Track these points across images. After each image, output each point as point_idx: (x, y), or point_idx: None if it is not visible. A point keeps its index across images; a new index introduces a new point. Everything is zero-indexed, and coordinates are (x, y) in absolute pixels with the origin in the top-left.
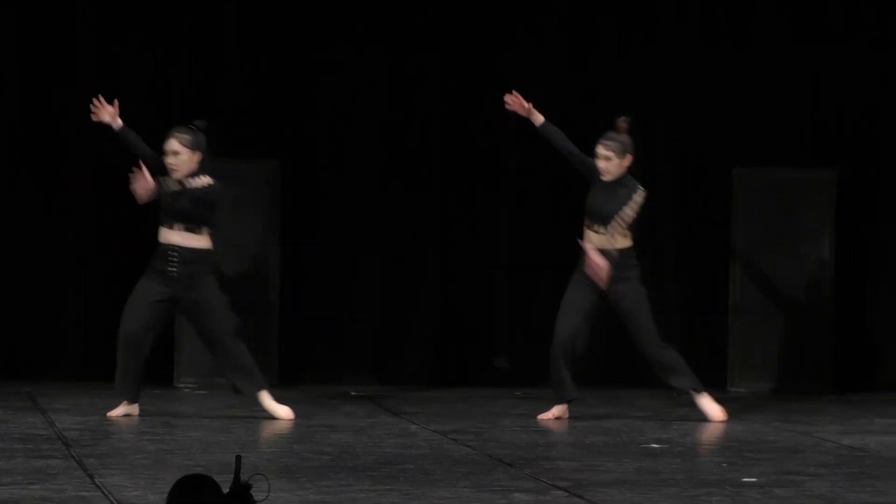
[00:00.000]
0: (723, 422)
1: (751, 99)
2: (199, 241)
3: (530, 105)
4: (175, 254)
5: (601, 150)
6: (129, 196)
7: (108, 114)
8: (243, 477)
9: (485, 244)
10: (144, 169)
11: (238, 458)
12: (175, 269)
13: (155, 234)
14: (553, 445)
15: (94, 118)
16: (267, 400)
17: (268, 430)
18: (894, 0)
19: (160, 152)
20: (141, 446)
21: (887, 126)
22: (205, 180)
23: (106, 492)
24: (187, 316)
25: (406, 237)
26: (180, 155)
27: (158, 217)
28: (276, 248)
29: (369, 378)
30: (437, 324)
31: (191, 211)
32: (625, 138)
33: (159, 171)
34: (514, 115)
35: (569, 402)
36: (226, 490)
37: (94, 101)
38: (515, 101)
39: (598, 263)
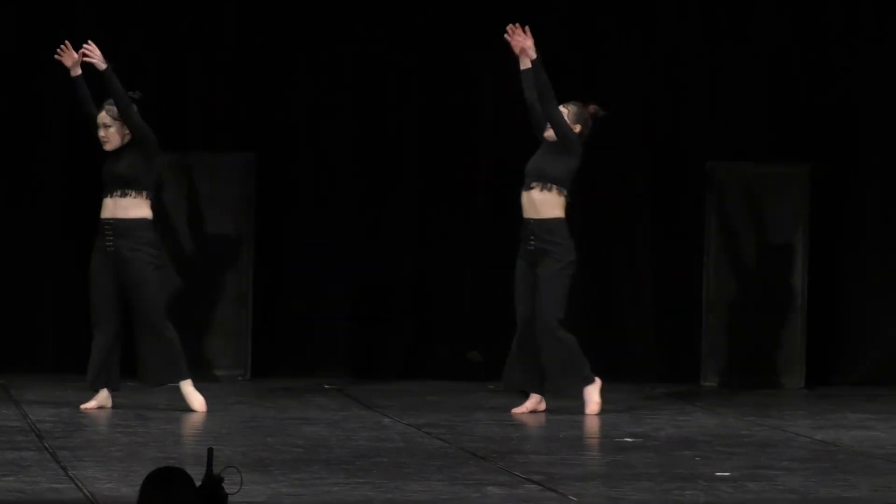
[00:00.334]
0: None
1: (725, 93)
2: (135, 208)
3: (532, 42)
4: (109, 226)
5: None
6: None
7: (70, 59)
8: (216, 470)
9: (458, 238)
10: (69, 48)
11: (210, 450)
12: (111, 244)
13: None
14: (526, 439)
15: (56, 57)
16: (187, 387)
17: (241, 422)
18: None
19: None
20: (114, 439)
21: (861, 121)
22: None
23: (79, 484)
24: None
25: (380, 230)
26: (110, 128)
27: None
28: (251, 240)
29: (343, 371)
30: (411, 317)
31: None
32: (585, 113)
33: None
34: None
35: (522, 392)
36: (198, 483)
37: (62, 46)
38: (516, 33)
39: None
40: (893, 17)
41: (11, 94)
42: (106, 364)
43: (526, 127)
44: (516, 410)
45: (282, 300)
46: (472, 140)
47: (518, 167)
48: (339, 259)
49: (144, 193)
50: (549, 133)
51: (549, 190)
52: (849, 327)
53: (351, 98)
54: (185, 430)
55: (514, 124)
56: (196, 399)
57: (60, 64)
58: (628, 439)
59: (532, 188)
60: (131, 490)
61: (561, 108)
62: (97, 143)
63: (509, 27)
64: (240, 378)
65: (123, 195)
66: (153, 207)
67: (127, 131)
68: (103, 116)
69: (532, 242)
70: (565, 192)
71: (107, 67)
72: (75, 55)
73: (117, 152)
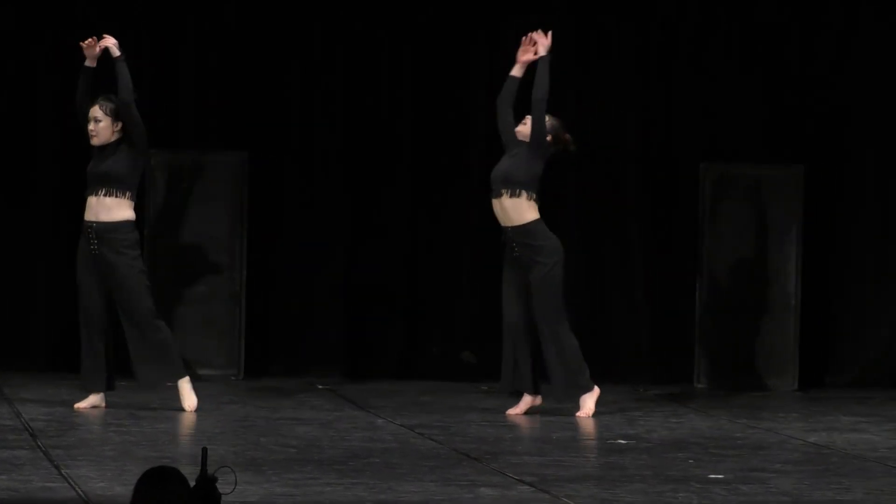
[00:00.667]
0: None
1: (719, 94)
2: (118, 209)
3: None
4: (91, 229)
5: (527, 118)
6: None
7: (94, 48)
8: (209, 469)
9: (452, 238)
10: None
11: (204, 450)
12: (94, 247)
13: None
14: (519, 440)
15: (81, 44)
16: (184, 385)
17: (234, 422)
18: None
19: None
20: (107, 438)
21: (854, 123)
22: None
23: (72, 483)
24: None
25: (373, 230)
26: (100, 122)
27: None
28: (243, 239)
29: (336, 371)
30: (404, 317)
31: (112, 171)
32: (560, 133)
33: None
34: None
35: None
36: (192, 482)
37: (92, 38)
38: (539, 39)
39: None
40: (887, 17)
41: (4, 94)
42: (98, 366)
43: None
44: (511, 412)
45: (275, 300)
46: (467, 140)
47: None
48: (332, 259)
49: (128, 194)
50: (523, 129)
51: (518, 195)
52: (842, 329)
53: (344, 97)
54: (179, 430)
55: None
56: (188, 399)
57: (76, 53)
58: (621, 441)
59: (501, 195)
60: (124, 489)
61: (528, 116)
62: (89, 141)
63: (525, 39)
64: (232, 378)
65: (107, 194)
66: (135, 208)
67: (117, 128)
68: (95, 110)
69: (515, 249)
70: (534, 196)
71: (121, 55)
72: (97, 49)
73: (104, 149)
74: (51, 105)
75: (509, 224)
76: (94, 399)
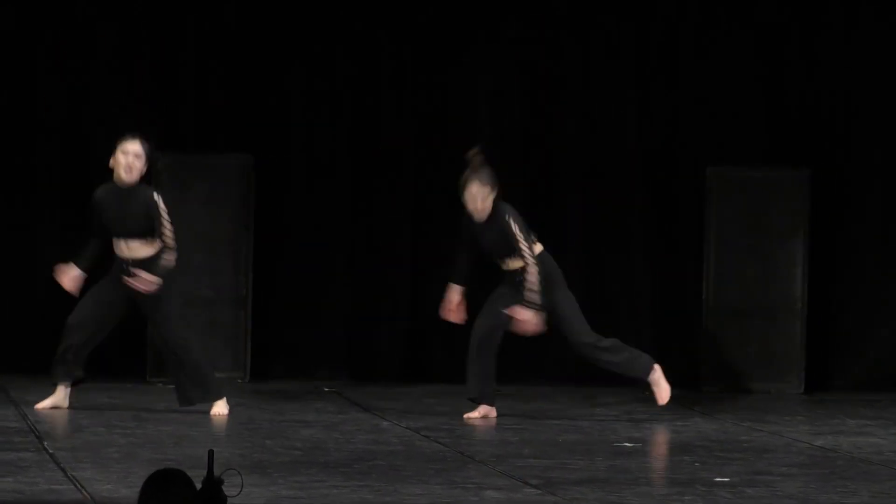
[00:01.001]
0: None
1: (724, 97)
2: (147, 247)
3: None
4: (126, 264)
5: (467, 201)
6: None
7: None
8: (216, 472)
9: (456, 240)
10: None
11: (211, 452)
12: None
13: None
14: (525, 443)
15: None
16: (216, 405)
17: (239, 425)
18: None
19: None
20: (112, 440)
21: (860, 126)
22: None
23: (78, 485)
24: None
25: (378, 233)
26: (140, 158)
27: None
28: (249, 242)
29: (341, 373)
30: (409, 319)
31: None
32: (483, 174)
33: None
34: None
35: (471, 399)
36: (198, 485)
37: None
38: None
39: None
40: (891, 19)
41: (4, 94)
42: (67, 360)
43: (523, 129)
44: (469, 415)
45: (280, 303)
46: (469, 142)
47: (515, 170)
48: (337, 261)
49: (151, 234)
50: (480, 215)
51: (512, 257)
52: (848, 333)
53: (349, 100)
54: (184, 432)
55: (510, 127)
56: (219, 413)
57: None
58: (627, 444)
59: (497, 263)
60: (130, 491)
61: (466, 198)
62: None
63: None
64: (238, 380)
65: (135, 238)
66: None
67: (145, 170)
68: (135, 145)
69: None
70: (525, 243)
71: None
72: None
73: (129, 192)
74: (51, 105)
75: (504, 269)
76: (57, 398)
